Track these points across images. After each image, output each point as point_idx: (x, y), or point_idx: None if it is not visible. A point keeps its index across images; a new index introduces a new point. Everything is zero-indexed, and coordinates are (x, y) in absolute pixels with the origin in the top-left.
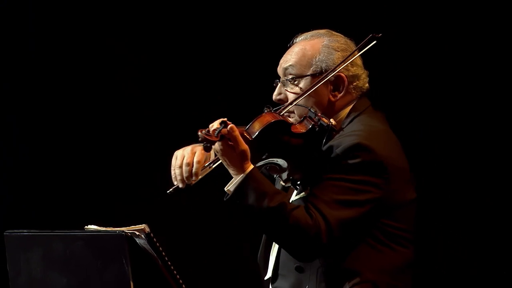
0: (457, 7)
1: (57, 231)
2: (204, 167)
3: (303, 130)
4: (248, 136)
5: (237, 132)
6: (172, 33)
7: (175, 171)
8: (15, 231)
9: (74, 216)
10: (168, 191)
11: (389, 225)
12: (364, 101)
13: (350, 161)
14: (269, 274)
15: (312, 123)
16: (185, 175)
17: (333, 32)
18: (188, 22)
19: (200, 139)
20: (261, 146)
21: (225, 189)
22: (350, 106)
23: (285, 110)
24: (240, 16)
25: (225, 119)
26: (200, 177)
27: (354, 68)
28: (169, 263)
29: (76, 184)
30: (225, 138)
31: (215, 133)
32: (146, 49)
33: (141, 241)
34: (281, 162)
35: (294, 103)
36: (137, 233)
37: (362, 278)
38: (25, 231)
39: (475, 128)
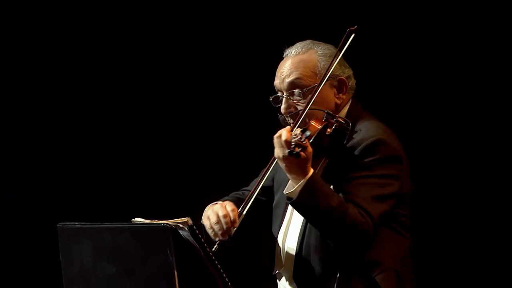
0: (456, 7)
1: (106, 224)
2: (240, 214)
3: (330, 130)
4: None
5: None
6: (172, 34)
7: (213, 228)
8: (67, 223)
9: (73, 215)
10: (213, 249)
11: (399, 214)
12: (355, 100)
13: (373, 157)
14: (276, 269)
15: (335, 124)
16: (225, 226)
17: (317, 41)
18: (187, 22)
19: (293, 145)
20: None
21: (285, 192)
22: (348, 105)
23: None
24: (238, 16)
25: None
26: (237, 224)
27: (347, 69)
28: (211, 254)
29: (76, 184)
30: None
31: (303, 139)
32: (146, 49)
33: (184, 233)
34: None
35: (307, 107)
36: (181, 225)
37: (385, 267)
38: (76, 223)
39: (474, 128)
